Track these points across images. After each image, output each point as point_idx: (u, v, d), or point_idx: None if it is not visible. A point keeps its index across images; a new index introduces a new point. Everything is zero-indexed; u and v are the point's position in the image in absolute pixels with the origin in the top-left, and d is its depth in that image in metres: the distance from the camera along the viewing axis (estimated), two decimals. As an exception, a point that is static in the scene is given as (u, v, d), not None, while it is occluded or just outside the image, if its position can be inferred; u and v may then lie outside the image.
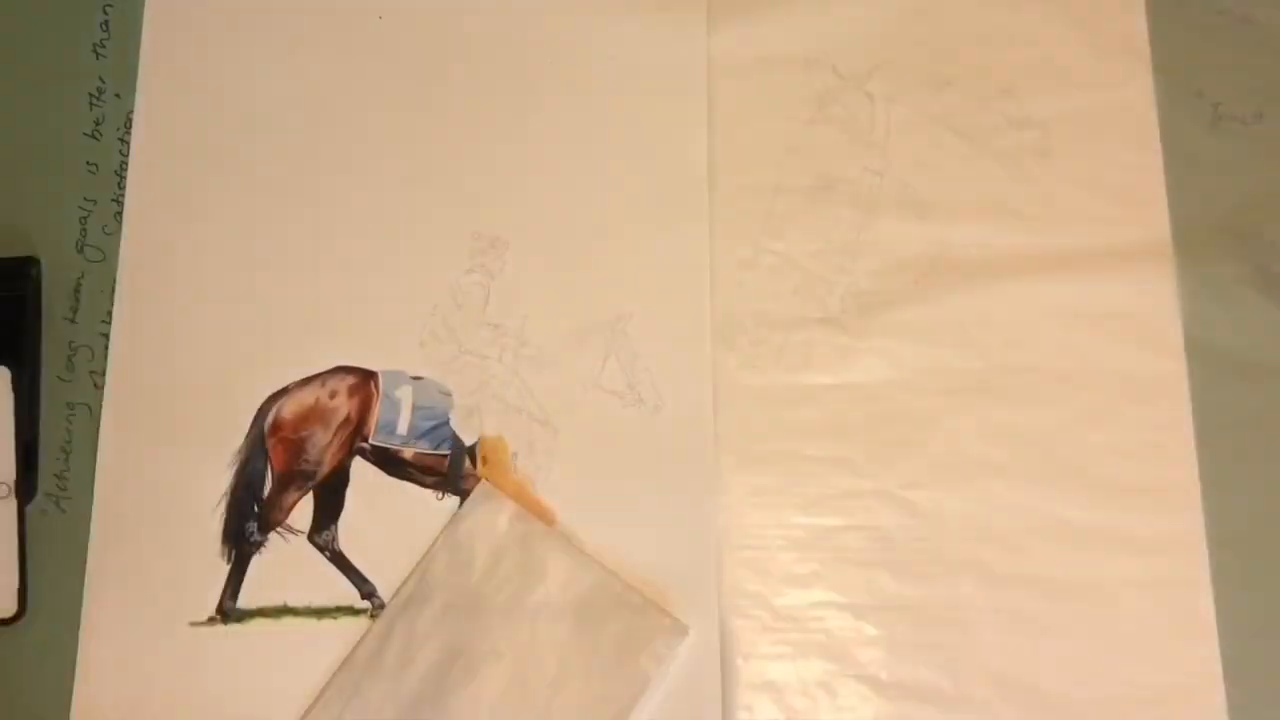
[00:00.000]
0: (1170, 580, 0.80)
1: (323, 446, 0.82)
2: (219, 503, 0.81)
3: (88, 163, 0.87)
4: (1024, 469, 0.82)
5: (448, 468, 0.82)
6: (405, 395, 0.83)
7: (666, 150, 0.88)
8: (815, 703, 0.78)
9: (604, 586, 0.77)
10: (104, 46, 0.90)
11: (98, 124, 0.88)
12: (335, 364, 0.83)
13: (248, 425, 0.82)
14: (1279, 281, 0.85)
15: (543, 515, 0.80)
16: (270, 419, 0.82)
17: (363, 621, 0.79)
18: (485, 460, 0.81)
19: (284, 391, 0.83)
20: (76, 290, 0.85)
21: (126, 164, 0.87)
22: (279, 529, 0.81)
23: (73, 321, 0.84)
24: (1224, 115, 0.88)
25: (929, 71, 0.90)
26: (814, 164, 0.88)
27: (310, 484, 0.81)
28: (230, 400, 0.82)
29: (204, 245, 0.86)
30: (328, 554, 0.80)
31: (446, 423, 0.82)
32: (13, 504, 0.78)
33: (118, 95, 0.88)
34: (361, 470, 0.82)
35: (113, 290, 0.84)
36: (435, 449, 0.82)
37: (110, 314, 0.84)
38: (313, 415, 0.82)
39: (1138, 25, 0.90)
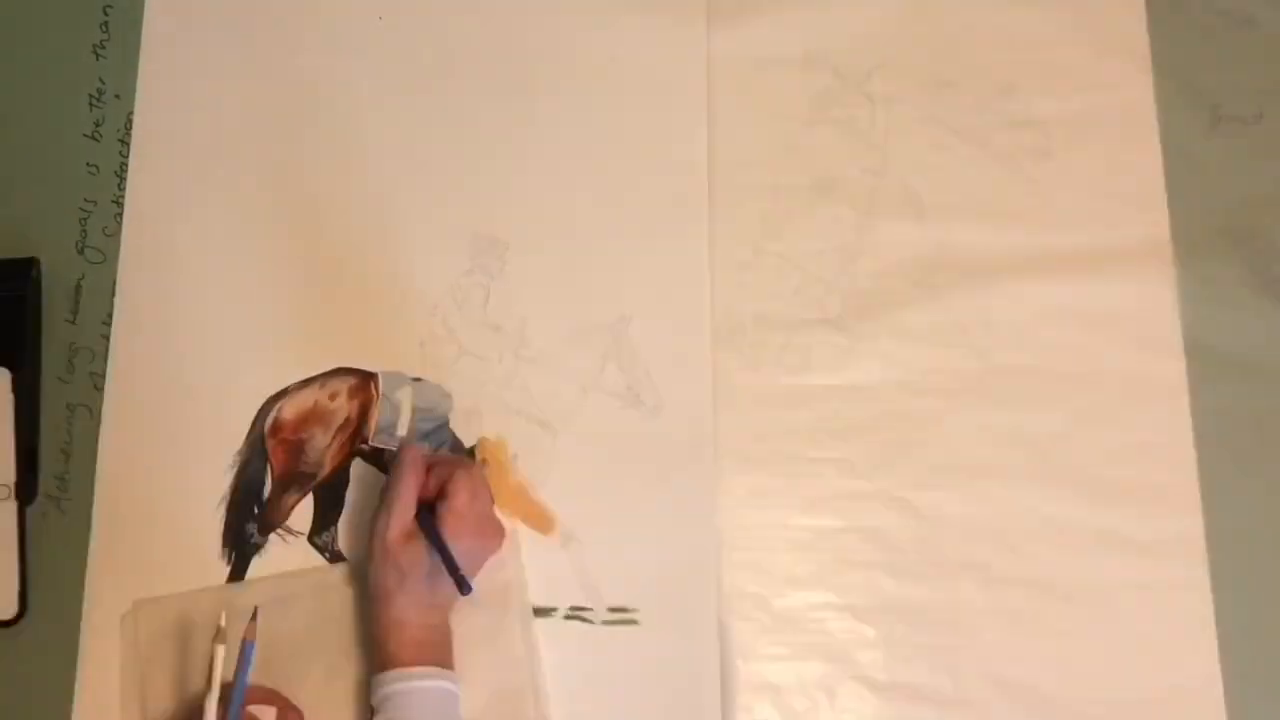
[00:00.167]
0: (1170, 581, 0.80)
1: (322, 448, 0.82)
2: (219, 504, 0.81)
3: (88, 164, 0.87)
4: (1024, 469, 0.82)
5: (448, 469, 0.82)
6: (405, 397, 0.83)
7: (666, 150, 0.88)
8: (815, 704, 0.78)
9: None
10: (104, 47, 0.90)
11: (98, 125, 0.88)
12: (335, 365, 0.83)
13: (248, 427, 0.82)
14: (1279, 282, 0.85)
15: (542, 516, 0.80)
16: (270, 420, 0.82)
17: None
18: (485, 461, 0.81)
19: (284, 393, 0.83)
20: (77, 291, 0.85)
21: (126, 165, 0.87)
22: (279, 530, 0.81)
23: (73, 323, 0.84)
24: (1224, 115, 0.88)
25: (929, 71, 0.90)
26: (814, 164, 0.88)
27: (310, 485, 0.81)
28: (230, 402, 0.82)
29: (204, 246, 0.86)
30: (327, 555, 0.80)
31: (446, 424, 0.82)
32: (13, 505, 0.78)
33: (118, 96, 0.88)
34: (361, 471, 0.82)
35: (113, 291, 0.84)
36: (435, 450, 0.82)
37: (110, 315, 0.84)
38: (312, 417, 0.82)
39: (1138, 25, 0.90)
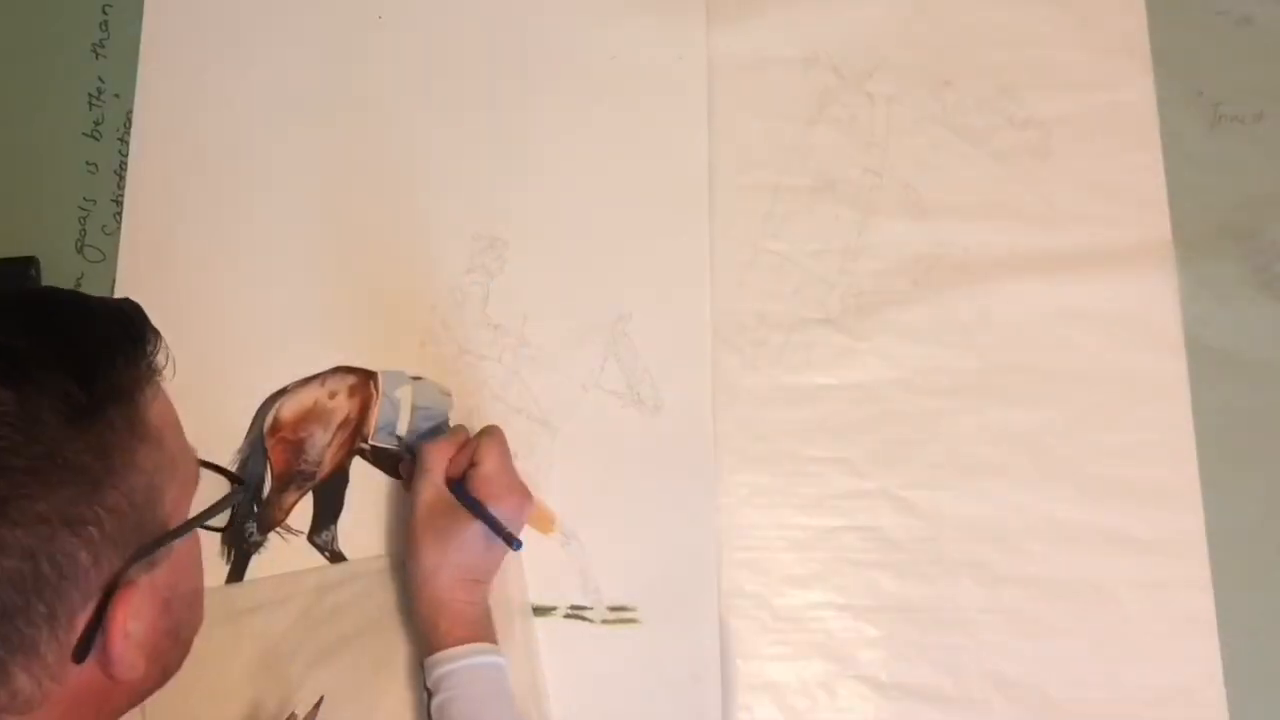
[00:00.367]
0: (1170, 580, 0.80)
1: (322, 447, 0.82)
2: (219, 503, 0.80)
3: (87, 163, 0.87)
4: (1024, 469, 0.82)
5: (448, 468, 0.82)
6: (405, 395, 0.83)
7: (666, 150, 0.88)
8: (815, 703, 0.78)
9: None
10: (104, 46, 0.90)
11: (97, 124, 0.88)
12: (335, 364, 0.83)
13: (247, 425, 0.82)
14: (1279, 281, 0.85)
15: (542, 516, 0.80)
16: (270, 419, 0.82)
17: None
18: (485, 460, 0.81)
19: (283, 392, 0.83)
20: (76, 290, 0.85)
21: (126, 164, 0.87)
22: (278, 529, 0.80)
23: (72, 322, 0.84)
24: (1224, 115, 0.88)
25: (929, 71, 0.90)
26: (814, 164, 0.88)
27: (310, 484, 0.81)
28: (230, 400, 0.82)
29: (203, 245, 0.86)
30: (327, 554, 0.80)
31: (446, 423, 0.82)
32: (12, 504, 0.78)
33: (117, 95, 0.88)
34: (361, 470, 0.82)
35: (112, 290, 0.84)
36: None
37: (110, 314, 0.84)
38: (312, 415, 0.82)
39: (1138, 25, 0.90)
